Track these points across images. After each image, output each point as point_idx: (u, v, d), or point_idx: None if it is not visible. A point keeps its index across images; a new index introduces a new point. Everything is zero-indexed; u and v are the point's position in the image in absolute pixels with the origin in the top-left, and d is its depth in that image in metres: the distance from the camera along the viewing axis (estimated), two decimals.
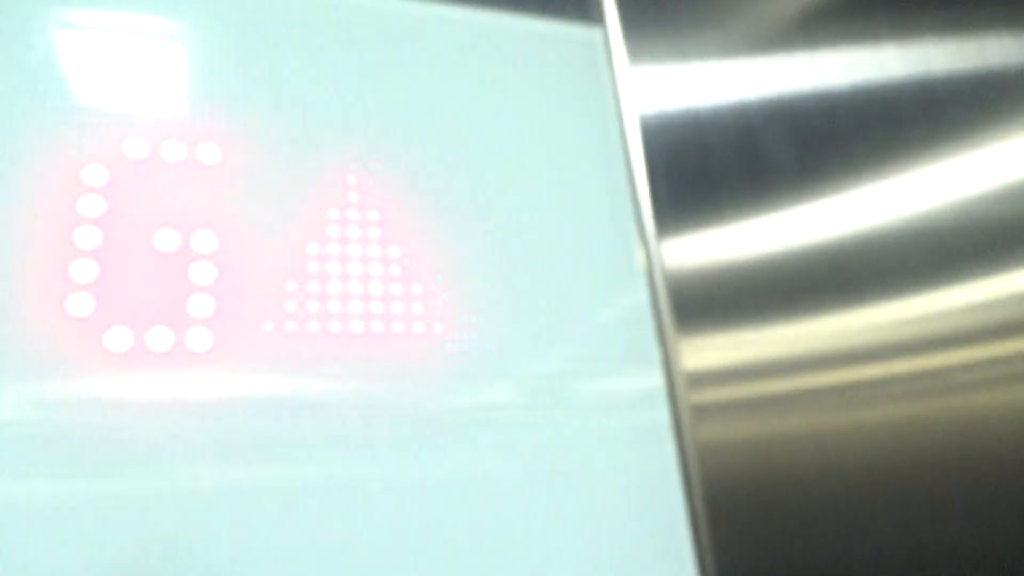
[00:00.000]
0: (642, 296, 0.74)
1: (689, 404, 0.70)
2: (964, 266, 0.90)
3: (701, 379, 0.71)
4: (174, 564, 0.55)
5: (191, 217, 0.64)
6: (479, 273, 0.71)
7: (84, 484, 0.55)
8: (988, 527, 0.79)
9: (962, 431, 0.82)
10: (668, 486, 0.67)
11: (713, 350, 0.73)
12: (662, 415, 0.69)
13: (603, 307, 0.73)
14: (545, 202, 0.77)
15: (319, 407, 0.62)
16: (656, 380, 0.71)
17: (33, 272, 0.58)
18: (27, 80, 0.62)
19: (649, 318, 0.73)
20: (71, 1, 0.66)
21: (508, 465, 0.65)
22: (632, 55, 0.86)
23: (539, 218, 0.76)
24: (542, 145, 0.79)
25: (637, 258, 0.76)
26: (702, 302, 0.75)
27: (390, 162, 0.72)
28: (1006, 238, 0.94)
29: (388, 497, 0.61)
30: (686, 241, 0.78)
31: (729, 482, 0.69)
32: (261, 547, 0.57)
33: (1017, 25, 1.08)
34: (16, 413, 0.55)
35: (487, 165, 0.76)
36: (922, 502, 0.77)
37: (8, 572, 0.51)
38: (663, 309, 0.74)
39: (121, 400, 0.57)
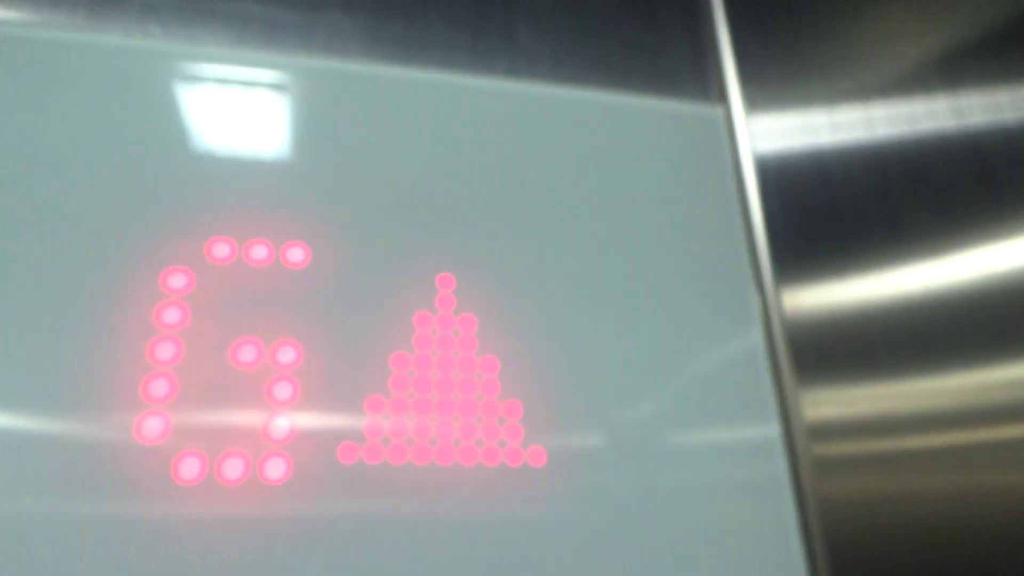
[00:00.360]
0: (757, 345, 0.69)
1: (811, 457, 0.65)
2: None
3: (823, 431, 0.67)
4: None
5: (273, 326, 0.58)
6: (589, 382, 0.62)
7: None
8: None
9: None
10: (786, 542, 0.62)
11: (837, 401, 0.69)
12: (779, 468, 0.64)
13: (718, 365, 0.67)
14: (665, 269, 0.69)
15: (396, 545, 0.54)
16: (773, 431, 0.66)
17: (107, 389, 0.54)
18: (107, 180, 0.59)
19: (766, 366, 0.68)
20: (148, 106, 0.64)
21: (614, 520, 0.57)
22: (753, 122, 0.78)
23: (660, 288, 0.68)
24: (657, 216, 0.71)
25: (752, 307, 0.70)
26: (825, 351, 0.71)
27: (489, 258, 0.65)
28: None
29: None
30: (809, 288, 0.73)
31: (854, 540, 0.64)
32: None
33: None
34: (80, 543, 0.50)
35: (599, 249, 0.68)
36: None
37: None
38: (781, 357, 0.69)
39: (188, 533, 0.52)
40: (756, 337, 0.69)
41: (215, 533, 0.52)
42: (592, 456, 0.60)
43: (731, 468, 0.63)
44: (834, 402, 0.69)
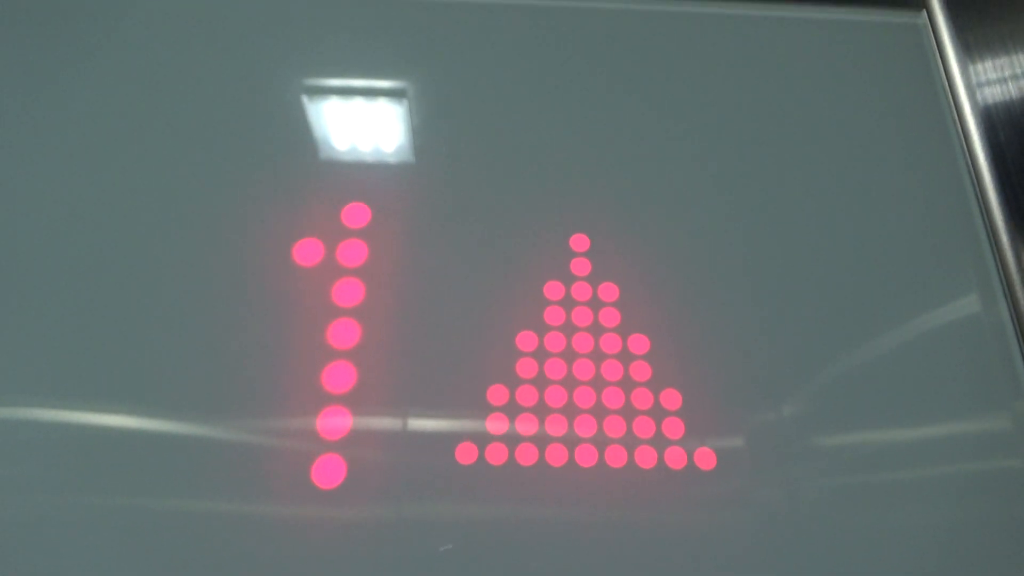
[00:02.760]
0: (1002, 322, 0.51)
1: None
2: None
3: None
4: None
5: (371, 304, 0.49)
6: (768, 357, 0.49)
7: None
8: None
9: None
10: None
11: None
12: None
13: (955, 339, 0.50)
14: (864, 213, 0.54)
15: (526, 569, 0.43)
16: (1021, 423, 0.49)
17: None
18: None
19: (1014, 349, 0.51)
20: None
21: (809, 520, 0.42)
22: (963, 42, 0.60)
23: (863, 245, 0.53)
24: (857, 144, 0.56)
25: (992, 276, 0.53)
26: None
27: (633, 214, 0.53)
28: None
29: None
30: None
31: None
32: None
33: None
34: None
35: (777, 182, 0.54)
36: None
37: None
38: None
39: (294, 529, 0.43)
40: (999, 311, 0.52)
41: (324, 536, 0.43)
42: (778, 457, 0.46)
43: (970, 465, 0.47)
44: None
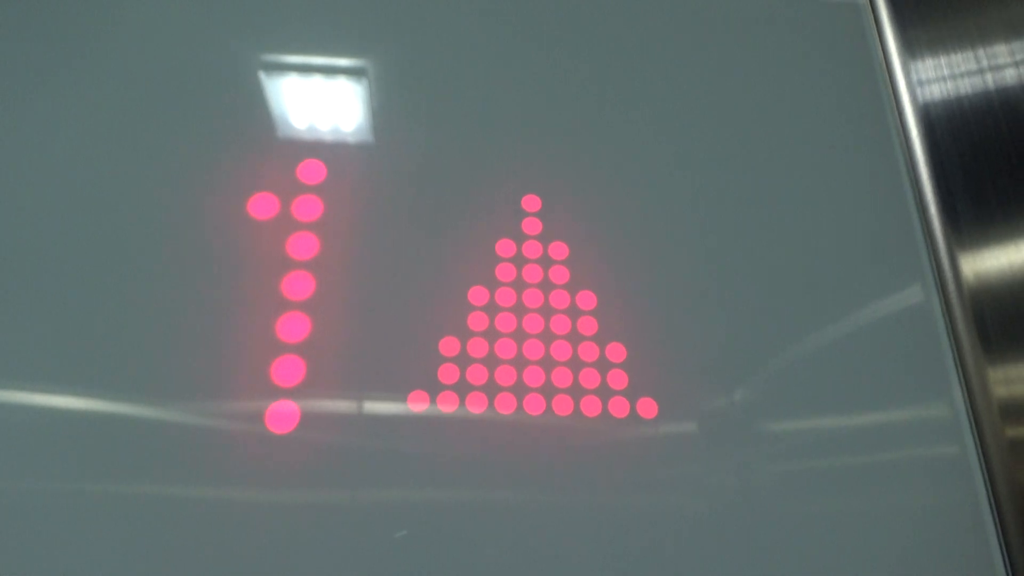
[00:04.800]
0: (932, 312, 0.54)
1: (1003, 439, 0.52)
2: None
3: (1017, 410, 0.53)
4: None
5: (326, 255, 0.50)
6: (703, 321, 0.51)
7: None
8: None
9: None
10: (977, 532, 0.49)
11: None
12: (964, 451, 0.51)
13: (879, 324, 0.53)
14: (801, 199, 0.56)
15: (474, 512, 0.45)
16: (953, 410, 0.52)
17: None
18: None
19: (943, 338, 0.54)
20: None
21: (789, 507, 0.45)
22: (904, 36, 0.63)
23: (794, 220, 0.55)
24: (797, 134, 0.58)
25: (924, 267, 0.55)
26: (1013, 318, 0.56)
27: (584, 175, 0.55)
28: None
29: None
30: (991, 246, 0.57)
31: None
32: None
33: None
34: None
35: (722, 158, 0.56)
36: None
37: None
38: (961, 328, 0.54)
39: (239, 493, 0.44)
40: (929, 302, 0.55)
41: (278, 481, 0.44)
42: (714, 408, 0.49)
43: (904, 451, 0.50)
44: None
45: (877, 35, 0.64)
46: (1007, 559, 0.49)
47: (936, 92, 0.63)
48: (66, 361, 0.45)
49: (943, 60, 0.64)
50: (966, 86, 0.63)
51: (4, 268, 0.46)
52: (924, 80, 0.63)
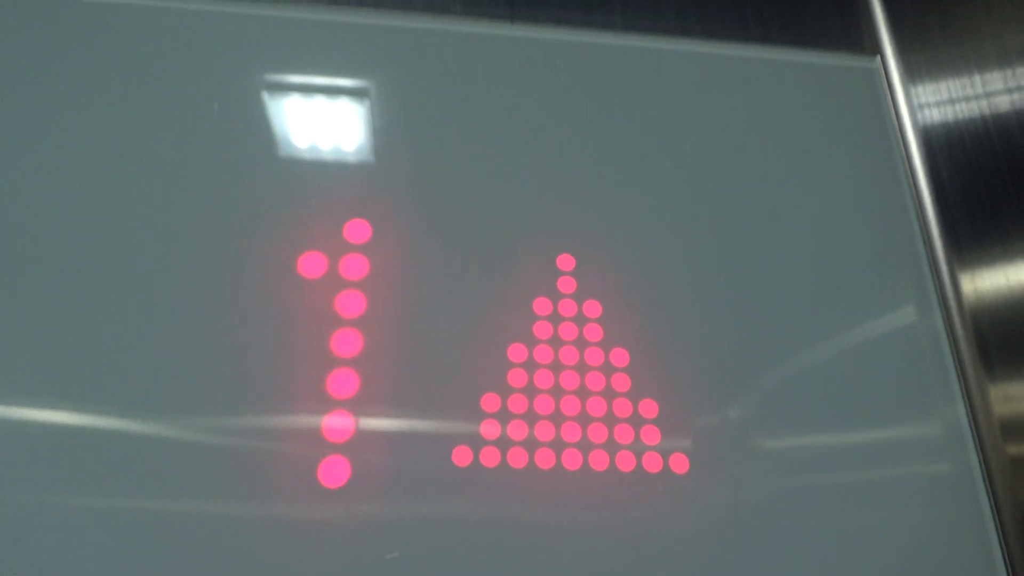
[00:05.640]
0: (935, 330, 0.58)
1: (1005, 455, 0.55)
2: None
3: (1018, 427, 0.56)
4: None
5: (373, 313, 0.52)
6: (735, 376, 0.54)
7: None
8: None
9: None
10: (982, 548, 0.52)
11: None
12: (967, 468, 0.54)
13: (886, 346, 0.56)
14: (822, 244, 0.60)
15: (517, 564, 0.47)
16: (958, 428, 0.56)
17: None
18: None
19: (947, 357, 0.57)
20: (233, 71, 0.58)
21: (772, 526, 0.47)
22: (911, 78, 0.67)
23: (816, 264, 0.59)
24: (811, 180, 0.62)
25: (928, 289, 0.59)
26: (1012, 338, 0.59)
27: (615, 235, 0.57)
28: None
29: None
30: (991, 268, 0.61)
31: None
32: None
33: None
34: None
35: (741, 215, 0.59)
36: None
37: None
38: (963, 346, 0.58)
39: (301, 527, 0.46)
40: (933, 322, 0.58)
41: (328, 533, 0.46)
42: (741, 460, 0.51)
43: (908, 467, 0.53)
44: None
45: (881, 63, 0.67)
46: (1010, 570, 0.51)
47: (936, 116, 0.66)
48: (118, 389, 0.47)
49: (943, 87, 0.68)
50: (964, 111, 0.67)
51: (67, 298, 0.49)
52: (924, 104, 0.67)
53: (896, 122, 0.66)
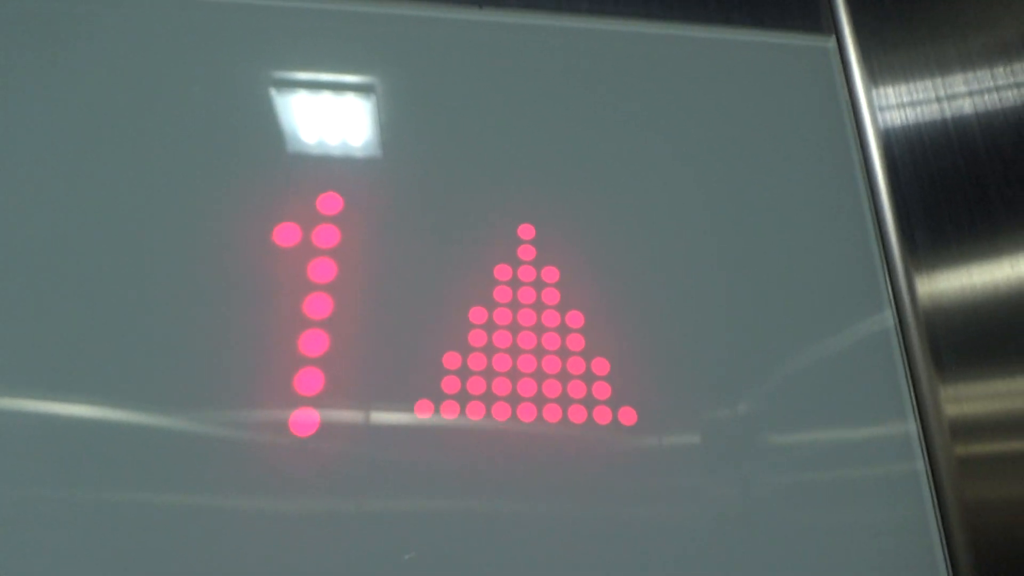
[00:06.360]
0: (888, 333, 0.59)
1: (952, 457, 0.56)
2: None
3: (965, 429, 0.58)
4: None
5: (344, 278, 0.56)
6: (681, 341, 0.57)
7: None
8: None
9: None
10: (925, 549, 0.54)
11: (981, 396, 0.59)
12: (915, 468, 0.56)
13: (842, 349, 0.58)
14: (767, 226, 0.61)
15: (475, 513, 0.51)
16: (906, 428, 0.57)
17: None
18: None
19: (897, 358, 0.59)
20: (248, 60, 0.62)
21: (740, 521, 0.51)
22: (869, 68, 0.69)
23: (766, 254, 0.60)
24: (766, 166, 0.64)
25: (882, 290, 0.60)
26: (966, 341, 0.60)
27: (574, 207, 0.61)
28: None
29: None
30: (945, 268, 0.62)
31: (1001, 548, 0.55)
32: None
33: None
34: None
35: (695, 192, 0.62)
36: None
37: None
38: (915, 347, 0.59)
39: (266, 490, 0.50)
40: (885, 322, 0.60)
41: (288, 481, 0.50)
42: (691, 419, 0.55)
43: (858, 467, 0.55)
44: (978, 397, 0.59)
45: (841, 64, 0.70)
46: (951, 574, 0.53)
47: (896, 119, 0.68)
48: (97, 375, 0.51)
49: (903, 88, 0.69)
50: (925, 114, 0.68)
51: (48, 288, 0.53)
52: (885, 106, 0.68)
53: (852, 111, 0.67)
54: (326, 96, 0.62)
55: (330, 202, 0.58)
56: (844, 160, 0.66)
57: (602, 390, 0.54)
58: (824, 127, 0.66)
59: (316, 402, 0.52)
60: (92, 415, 0.50)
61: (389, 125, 0.62)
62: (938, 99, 0.69)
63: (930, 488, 0.55)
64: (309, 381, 0.52)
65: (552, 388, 0.54)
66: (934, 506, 0.55)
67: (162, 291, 0.53)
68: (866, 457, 0.56)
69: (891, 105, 0.68)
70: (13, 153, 0.56)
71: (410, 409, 0.52)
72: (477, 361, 0.54)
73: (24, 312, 0.52)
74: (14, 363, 0.50)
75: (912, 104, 0.69)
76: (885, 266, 0.62)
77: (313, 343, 0.54)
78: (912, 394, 0.58)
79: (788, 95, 0.67)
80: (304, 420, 0.51)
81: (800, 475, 0.54)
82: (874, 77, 0.69)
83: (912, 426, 0.57)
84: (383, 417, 0.52)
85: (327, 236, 0.57)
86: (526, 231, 0.59)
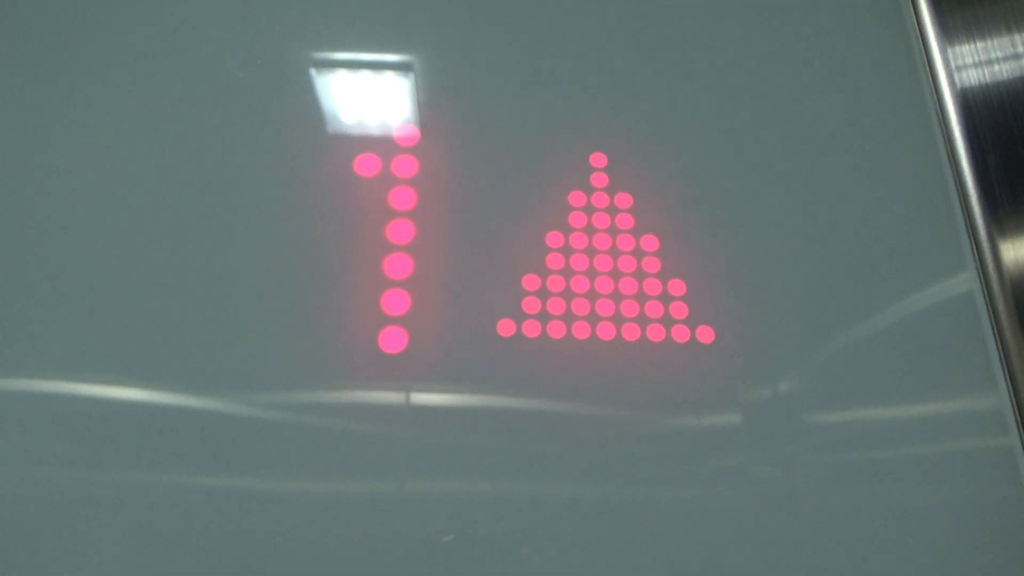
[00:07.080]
0: (975, 301, 0.56)
1: None
2: None
3: None
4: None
5: (425, 207, 0.58)
6: (755, 267, 0.58)
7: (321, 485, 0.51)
8: None
9: None
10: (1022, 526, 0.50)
11: None
12: (1007, 442, 0.53)
13: (922, 313, 0.56)
14: (842, 180, 0.61)
15: (556, 421, 0.52)
16: (996, 401, 0.54)
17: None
18: None
19: (985, 329, 0.55)
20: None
21: (801, 496, 0.51)
22: (943, 24, 0.67)
23: (834, 199, 0.60)
24: (839, 111, 0.63)
25: (966, 255, 0.58)
26: None
27: (645, 136, 0.61)
28: None
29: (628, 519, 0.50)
30: None
31: None
32: (485, 557, 0.49)
33: None
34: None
35: (768, 134, 0.62)
36: None
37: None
38: (1003, 317, 0.55)
39: (358, 405, 0.52)
40: (971, 287, 0.56)
41: (380, 404, 0.52)
42: (764, 338, 0.56)
43: (948, 443, 0.53)
44: None
45: (916, 22, 0.68)
46: None
47: (974, 78, 0.65)
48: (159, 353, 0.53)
49: (980, 45, 0.66)
50: (1003, 71, 0.65)
51: (107, 260, 0.55)
52: (961, 66, 0.65)
53: (931, 80, 0.64)
54: (393, 41, 0.64)
55: (408, 133, 0.60)
56: (921, 116, 0.63)
57: (679, 310, 0.55)
58: (899, 82, 0.65)
59: (403, 321, 0.54)
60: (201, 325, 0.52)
61: (464, 61, 0.63)
62: (1017, 56, 0.67)
63: None
64: (396, 302, 0.54)
65: (630, 308, 0.55)
66: None
67: (255, 222, 0.56)
68: (957, 432, 0.53)
69: (967, 62, 0.66)
70: (79, 124, 0.59)
71: (492, 329, 0.54)
72: (555, 283, 0.56)
73: (123, 284, 0.54)
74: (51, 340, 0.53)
75: (988, 63, 0.66)
76: (969, 229, 0.59)
77: (398, 267, 0.55)
78: (1003, 365, 0.54)
79: (863, 50, 0.66)
80: (396, 338, 0.53)
81: (887, 452, 0.52)
82: (948, 34, 0.67)
83: (1005, 399, 0.53)
84: (467, 337, 0.54)
85: (406, 166, 0.59)
86: (598, 159, 0.60)
